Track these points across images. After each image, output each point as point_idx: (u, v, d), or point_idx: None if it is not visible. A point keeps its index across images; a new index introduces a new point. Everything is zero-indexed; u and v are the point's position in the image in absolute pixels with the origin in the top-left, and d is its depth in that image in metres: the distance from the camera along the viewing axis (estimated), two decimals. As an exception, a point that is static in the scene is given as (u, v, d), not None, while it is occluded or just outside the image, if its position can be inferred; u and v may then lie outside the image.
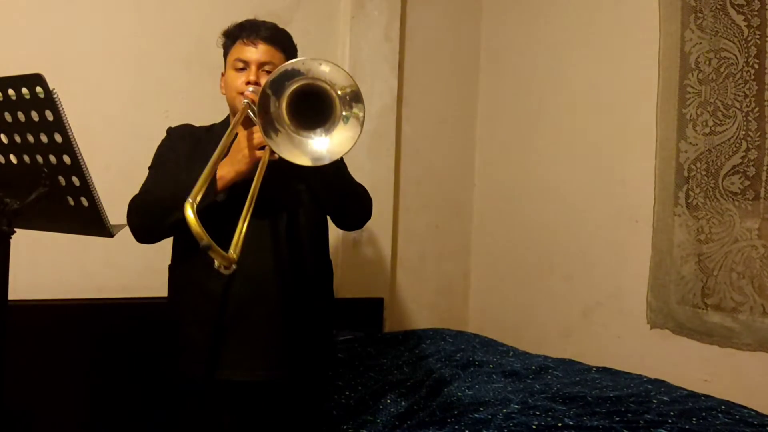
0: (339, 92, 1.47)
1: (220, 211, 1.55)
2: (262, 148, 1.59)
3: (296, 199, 1.77)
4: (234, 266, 1.27)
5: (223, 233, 1.44)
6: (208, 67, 2.59)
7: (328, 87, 1.47)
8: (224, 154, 1.57)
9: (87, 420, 2.32)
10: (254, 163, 1.62)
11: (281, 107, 1.49)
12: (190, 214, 1.23)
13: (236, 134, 1.66)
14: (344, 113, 1.48)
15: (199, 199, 1.30)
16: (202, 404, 1.74)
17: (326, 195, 1.74)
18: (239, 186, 1.61)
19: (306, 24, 2.80)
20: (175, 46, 2.60)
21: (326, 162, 1.50)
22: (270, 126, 1.49)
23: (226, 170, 1.61)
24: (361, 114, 1.48)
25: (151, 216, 1.70)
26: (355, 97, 1.47)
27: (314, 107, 1.49)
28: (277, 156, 1.52)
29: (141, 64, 2.54)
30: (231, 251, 1.28)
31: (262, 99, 1.47)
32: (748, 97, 2.20)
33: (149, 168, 1.85)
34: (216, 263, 1.24)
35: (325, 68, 1.46)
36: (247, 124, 1.70)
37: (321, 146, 1.50)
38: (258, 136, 1.58)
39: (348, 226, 1.94)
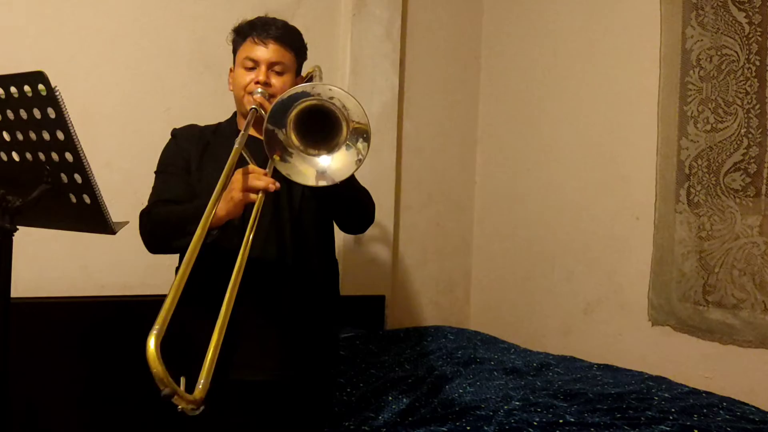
0: (350, 123, 1.47)
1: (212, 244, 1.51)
2: (257, 191, 1.52)
3: (302, 201, 1.78)
4: (202, 407, 1.09)
5: (218, 265, 1.42)
6: (209, 64, 2.60)
7: (337, 111, 1.47)
8: (229, 175, 1.49)
9: (90, 418, 2.33)
10: (244, 206, 1.54)
11: (288, 133, 1.49)
12: (151, 347, 1.04)
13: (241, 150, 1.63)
14: (348, 142, 1.49)
15: (165, 326, 1.13)
16: (211, 404, 1.74)
17: (332, 202, 1.74)
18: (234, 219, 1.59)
19: (307, 21, 2.80)
20: (176, 43, 2.60)
21: (328, 183, 1.51)
22: (284, 152, 1.50)
23: (219, 207, 1.51)
24: (363, 150, 1.48)
25: (159, 238, 1.71)
26: (364, 135, 1.48)
27: (321, 126, 1.50)
28: (279, 186, 1.51)
29: (142, 62, 2.54)
30: (198, 387, 1.11)
31: (268, 137, 1.48)
32: (749, 94, 2.20)
33: (156, 173, 1.84)
34: (179, 407, 1.06)
35: (337, 92, 1.46)
36: (256, 126, 1.70)
37: (325, 163, 1.51)
38: (253, 176, 1.52)
39: (352, 230, 1.95)
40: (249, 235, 1.43)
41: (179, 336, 1.77)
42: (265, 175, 1.52)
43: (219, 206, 1.49)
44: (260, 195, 1.51)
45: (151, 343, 1.03)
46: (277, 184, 1.51)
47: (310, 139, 1.51)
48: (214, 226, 1.53)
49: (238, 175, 1.53)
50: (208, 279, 1.68)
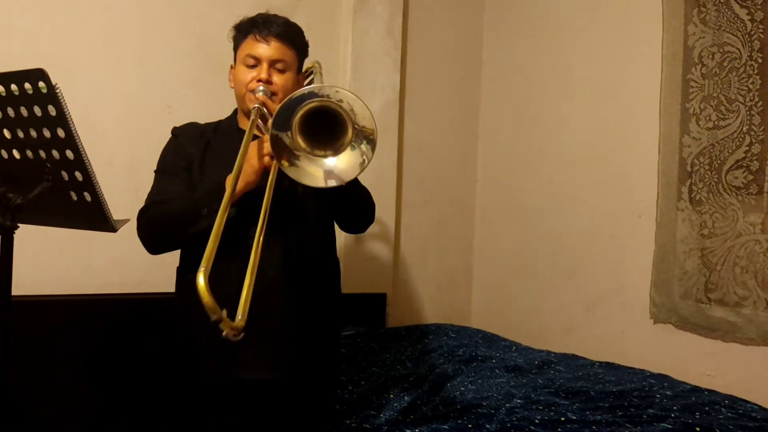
0: (356, 125, 1.46)
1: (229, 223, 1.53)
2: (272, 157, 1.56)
3: (303, 201, 1.77)
4: (242, 334, 1.20)
5: (231, 246, 1.42)
6: (210, 61, 2.60)
7: (342, 112, 1.46)
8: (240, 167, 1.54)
9: (91, 416, 2.32)
10: (262, 172, 1.60)
11: (294, 136, 1.48)
12: (201, 282, 1.14)
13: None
14: (353, 143, 1.48)
15: (211, 263, 1.21)
16: (211, 402, 1.74)
17: (334, 202, 1.74)
18: (248, 197, 1.60)
19: (308, 19, 2.79)
20: (177, 41, 2.60)
21: (337, 183, 1.50)
22: (291, 156, 1.48)
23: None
24: (368, 153, 1.47)
25: (163, 231, 1.70)
26: (369, 138, 1.47)
27: (326, 126, 1.48)
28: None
29: (143, 59, 2.54)
30: (239, 318, 1.22)
31: (274, 142, 1.46)
32: (751, 92, 2.19)
33: (156, 172, 1.83)
34: (224, 333, 1.17)
35: (345, 95, 1.45)
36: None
37: (332, 164, 1.50)
38: (267, 146, 1.56)
39: (352, 230, 1.94)
40: (259, 237, 1.42)
41: (182, 334, 1.78)
42: None
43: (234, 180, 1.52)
44: (275, 163, 1.55)
45: (201, 279, 1.15)
46: None
47: (316, 140, 1.50)
48: (232, 202, 1.53)
49: (253, 146, 1.60)
50: (212, 286, 1.68)
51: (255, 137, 1.66)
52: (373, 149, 1.47)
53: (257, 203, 1.51)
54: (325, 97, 1.45)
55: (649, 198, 2.48)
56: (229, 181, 1.48)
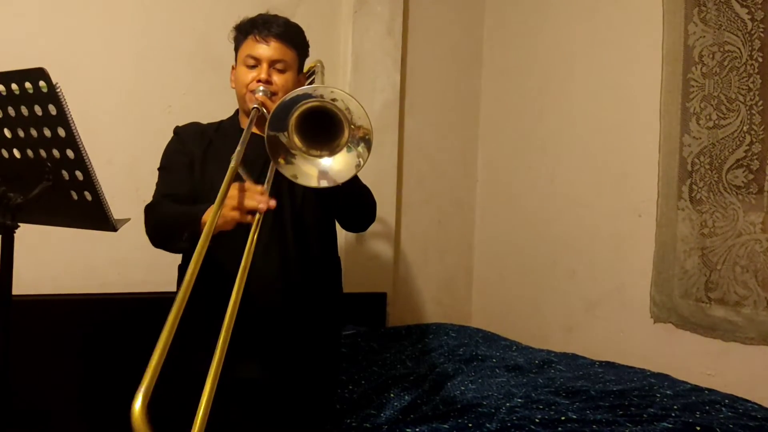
0: (352, 125, 1.46)
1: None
2: (253, 212, 1.46)
3: (303, 200, 1.77)
4: None
5: (213, 267, 1.40)
6: (210, 61, 2.60)
7: (339, 112, 1.45)
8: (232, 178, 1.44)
9: (90, 414, 2.33)
10: (236, 225, 1.48)
11: (291, 135, 1.47)
12: (136, 409, 0.90)
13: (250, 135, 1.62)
14: (349, 144, 1.47)
15: (153, 383, 1.00)
16: (213, 402, 1.73)
17: (334, 201, 1.74)
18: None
19: (308, 19, 2.79)
20: (178, 41, 2.60)
21: (329, 184, 1.49)
22: (288, 155, 1.48)
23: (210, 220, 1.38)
24: (364, 154, 1.46)
25: (164, 236, 1.70)
26: (365, 138, 1.46)
27: (323, 127, 1.48)
28: (274, 205, 1.47)
29: (144, 59, 2.54)
30: None
31: (270, 142, 1.46)
32: (751, 91, 2.19)
33: (159, 169, 1.84)
34: None
35: (340, 94, 1.44)
36: (259, 125, 1.70)
37: (327, 164, 1.50)
38: (250, 194, 1.47)
39: (353, 229, 1.95)
40: (250, 247, 1.39)
41: (181, 331, 1.78)
42: (262, 193, 1.45)
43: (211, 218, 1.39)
44: (258, 217, 1.45)
45: (136, 405, 0.86)
46: (272, 203, 1.44)
47: (312, 140, 1.50)
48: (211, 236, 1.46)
49: (234, 191, 1.46)
50: (211, 278, 1.68)
51: (254, 136, 1.65)
52: (368, 151, 1.46)
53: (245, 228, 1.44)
54: (319, 98, 1.45)
55: (650, 197, 2.48)
56: (207, 217, 1.40)
